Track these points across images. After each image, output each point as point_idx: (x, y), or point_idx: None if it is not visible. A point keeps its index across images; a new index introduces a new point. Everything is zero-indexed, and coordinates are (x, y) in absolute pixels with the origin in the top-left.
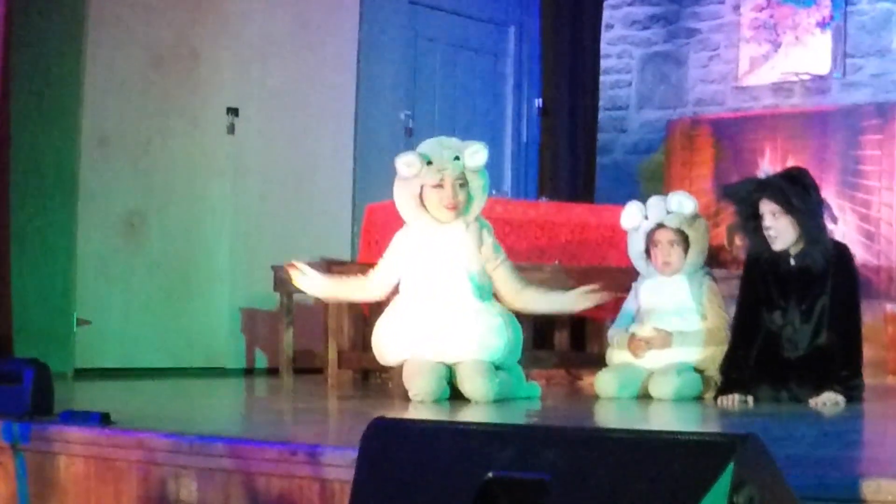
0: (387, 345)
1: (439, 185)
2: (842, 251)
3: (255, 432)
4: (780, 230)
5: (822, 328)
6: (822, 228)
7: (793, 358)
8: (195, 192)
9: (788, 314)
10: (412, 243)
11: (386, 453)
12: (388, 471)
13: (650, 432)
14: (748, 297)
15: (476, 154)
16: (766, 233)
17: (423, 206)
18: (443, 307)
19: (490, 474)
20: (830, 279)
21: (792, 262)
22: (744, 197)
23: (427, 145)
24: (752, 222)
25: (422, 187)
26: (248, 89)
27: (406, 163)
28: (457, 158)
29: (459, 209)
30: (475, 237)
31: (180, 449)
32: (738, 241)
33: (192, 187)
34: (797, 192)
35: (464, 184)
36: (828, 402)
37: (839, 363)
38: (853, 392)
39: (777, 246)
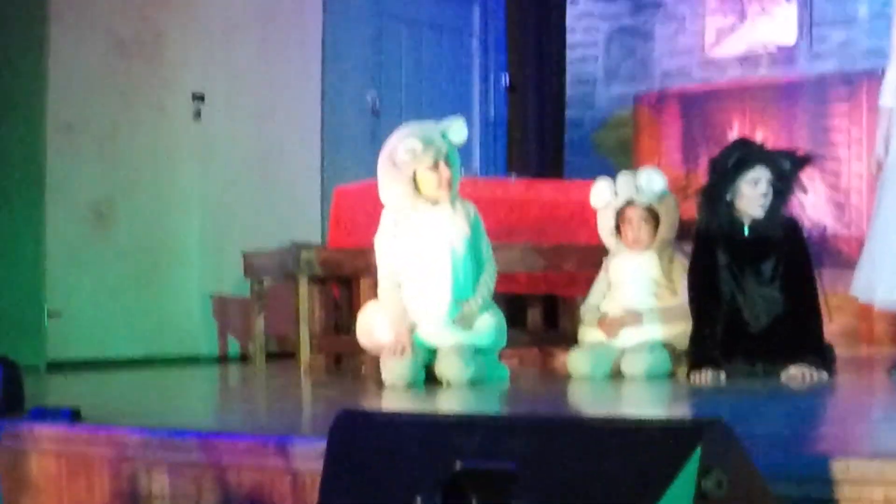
0: (374, 327)
1: (434, 167)
2: (795, 221)
3: (225, 424)
4: (770, 198)
5: (780, 299)
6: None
7: (756, 330)
8: (163, 179)
9: (746, 286)
10: (402, 230)
11: (354, 445)
12: (356, 463)
13: (617, 419)
14: (705, 270)
15: (460, 130)
16: (755, 199)
17: (417, 189)
18: (432, 289)
19: (459, 465)
20: (785, 249)
21: (746, 232)
22: (740, 159)
23: (415, 128)
24: (728, 189)
25: (414, 171)
26: (213, 74)
27: (409, 149)
28: (443, 137)
29: (450, 187)
30: (463, 216)
31: (151, 443)
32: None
33: (159, 174)
34: (794, 170)
35: (448, 162)
36: (805, 375)
37: (805, 334)
38: (827, 363)
39: (760, 213)
